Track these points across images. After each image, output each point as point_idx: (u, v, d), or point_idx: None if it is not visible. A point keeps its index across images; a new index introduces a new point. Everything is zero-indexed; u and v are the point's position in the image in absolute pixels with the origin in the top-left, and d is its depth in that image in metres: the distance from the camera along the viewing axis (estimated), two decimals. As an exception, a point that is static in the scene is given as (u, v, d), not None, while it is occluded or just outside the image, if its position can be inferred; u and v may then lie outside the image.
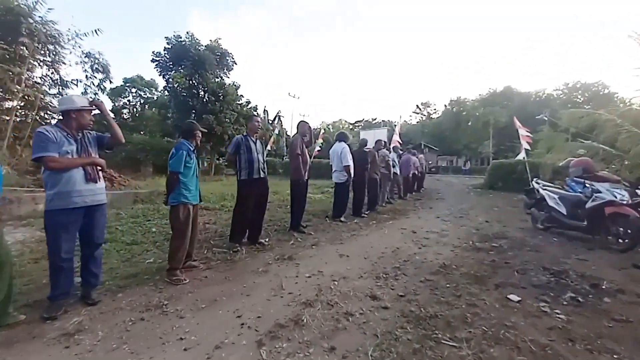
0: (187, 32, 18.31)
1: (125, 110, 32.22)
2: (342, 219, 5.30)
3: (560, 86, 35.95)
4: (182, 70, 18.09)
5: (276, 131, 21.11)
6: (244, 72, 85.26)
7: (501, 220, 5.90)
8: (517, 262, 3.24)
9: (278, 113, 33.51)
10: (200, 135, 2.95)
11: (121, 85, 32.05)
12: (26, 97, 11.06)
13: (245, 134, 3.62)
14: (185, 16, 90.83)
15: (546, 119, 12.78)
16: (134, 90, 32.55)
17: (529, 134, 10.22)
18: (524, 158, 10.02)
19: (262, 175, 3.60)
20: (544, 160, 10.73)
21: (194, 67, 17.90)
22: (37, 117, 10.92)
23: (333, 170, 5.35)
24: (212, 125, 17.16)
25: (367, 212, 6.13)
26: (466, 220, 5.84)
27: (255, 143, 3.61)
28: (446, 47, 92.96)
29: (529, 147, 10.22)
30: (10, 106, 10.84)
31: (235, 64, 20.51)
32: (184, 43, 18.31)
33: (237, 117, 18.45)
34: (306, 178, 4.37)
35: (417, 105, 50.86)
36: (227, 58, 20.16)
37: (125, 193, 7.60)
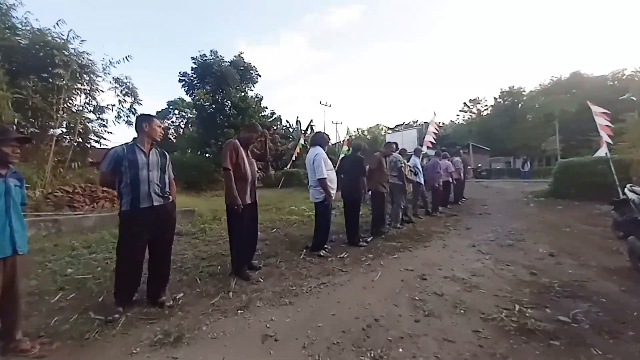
0: (211, 50, 18.61)
1: (170, 131, 34.76)
2: (322, 252, 3.81)
3: (643, 65, 29.18)
4: (207, 88, 18.37)
5: (301, 140, 20.09)
6: (278, 86, 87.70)
7: (575, 252, 3.83)
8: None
9: (310, 123, 32.91)
10: (15, 144, 1.85)
11: (165, 108, 34.75)
12: (67, 123, 11.94)
13: (131, 141, 2.44)
14: (232, 43, 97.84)
15: (635, 99, 9.52)
16: (176, 111, 35.01)
17: (609, 124, 7.59)
18: (606, 154, 7.41)
19: (156, 203, 2.37)
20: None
21: (218, 83, 18.03)
22: (79, 141, 11.82)
23: (309, 186, 3.93)
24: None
25: (369, 239, 4.54)
26: (517, 253, 3.90)
27: (147, 155, 2.41)
28: (495, 34, 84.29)
29: (610, 141, 7.60)
30: (52, 133, 11.74)
31: (260, 76, 20.39)
32: (208, 61, 18.62)
33: (259, 129, 18.03)
34: (250, 201, 3.03)
35: (464, 103, 45.83)
36: (251, 72, 20.11)
37: (112, 215, 7.09)
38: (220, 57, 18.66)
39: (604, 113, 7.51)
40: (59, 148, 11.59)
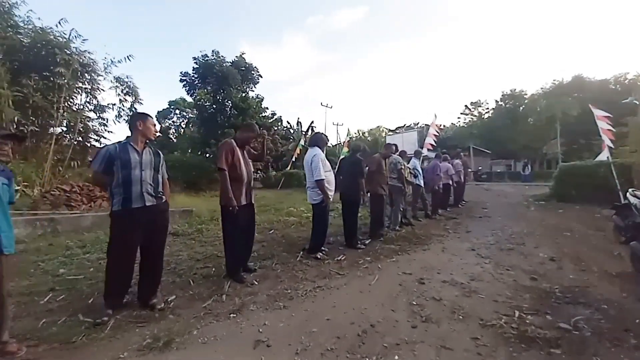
0: (213, 50, 18.63)
1: (171, 131, 34.79)
2: (320, 254, 3.75)
3: (646, 69, 29.08)
4: (208, 88, 18.38)
5: (302, 141, 20.11)
6: (280, 87, 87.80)
7: (577, 256, 3.77)
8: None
9: (311, 124, 32.90)
10: (3, 142, 1.80)
11: (167, 107, 34.80)
12: (67, 122, 11.95)
13: (125, 140, 2.39)
14: (235, 44, 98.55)
15: (637, 102, 9.44)
16: (177, 111, 35.05)
17: (610, 127, 7.51)
18: (607, 158, 7.33)
19: (148, 203, 2.33)
20: (641, 162, 7.77)
21: (219, 83, 18.04)
22: (79, 140, 11.85)
23: (306, 187, 3.88)
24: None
25: (367, 242, 4.48)
26: (517, 257, 3.84)
27: (141, 154, 2.36)
28: (498, 36, 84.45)
29: (612, 145, 7.51)
30: (52, 131, 11.74)
31: (261, 77, 20.40)
32: (209, 61, 18.63)
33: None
34: (245, 202, 2.99)
35: (466, 106, 45.77)
36: (252, 72, 20.11)
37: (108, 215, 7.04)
38: (221, 58, 18.69)
39: (606, 117, 7.44)
40: (59, 147, 11.62)
